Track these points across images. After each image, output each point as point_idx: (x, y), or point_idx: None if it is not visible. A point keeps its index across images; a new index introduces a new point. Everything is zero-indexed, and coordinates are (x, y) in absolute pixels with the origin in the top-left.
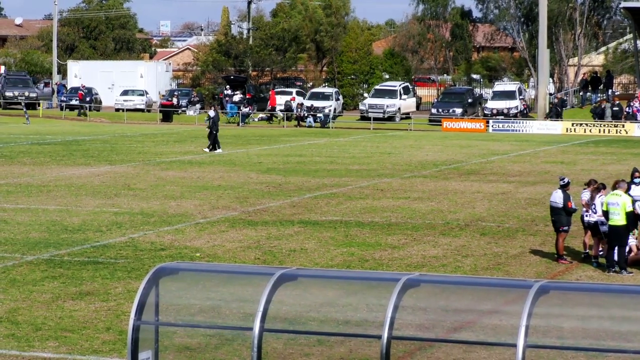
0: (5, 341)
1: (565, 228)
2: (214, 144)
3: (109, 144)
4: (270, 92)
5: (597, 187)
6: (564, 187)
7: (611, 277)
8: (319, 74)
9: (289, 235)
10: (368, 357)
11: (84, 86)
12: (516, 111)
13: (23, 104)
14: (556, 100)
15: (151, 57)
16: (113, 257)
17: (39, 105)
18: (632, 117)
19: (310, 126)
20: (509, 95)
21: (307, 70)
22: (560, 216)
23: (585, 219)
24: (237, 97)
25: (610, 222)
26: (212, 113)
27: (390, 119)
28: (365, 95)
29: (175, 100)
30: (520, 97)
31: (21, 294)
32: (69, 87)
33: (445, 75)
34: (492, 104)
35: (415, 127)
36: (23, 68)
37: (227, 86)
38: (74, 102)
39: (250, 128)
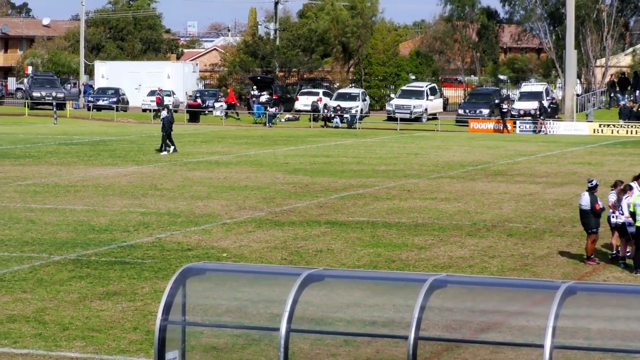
0: (33, 341)
1: (594, 230)
2: (164, 144)
3: (135, 144)
4: (228, 90)
5: (624, 189)
6: (592, 190)
7: (639, 278)
8: (346, 74)
9: (316, 235)
10: (395, 357)
11: (161, 90)
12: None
13: (54, 104)
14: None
15: (178, 58)
16: (140, 257)
17: (71, 106)
18: None
19: (337, 127)
20: (536, 96)
21: (333, 71)
22: (589, 219)
23: (612, 220)
24: (264, 97)
25: (638, 223)
26: (164, 114)
27: (417, 119)
28: (392, 95)
29: (199, 101)
30: (548, 98)
31: (48, 293)
32: (96, 87)
33: (472, 76)
34: (519, 105)
35: (442, 127)
36: (50, 68)
37: (254, 87)
38: (101, 102)
39: (276, 128)
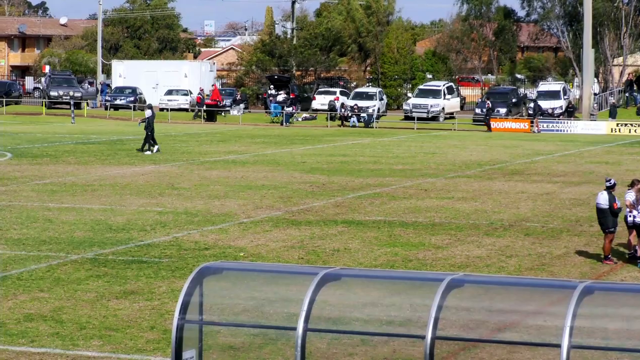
0: (50, 340)
1: (612, 229)
2: (150, 143)
3: None
4: (213, 86)
5: None
6: (610, 189)
7: None
8: (363, 73)
9: (333, 235)
10: (412, 357)
11: (202, 89)
12: (561, 111)
13: (71, 103)
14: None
15: (195, 57)
16: (157, 256)
17: (87, 105)
18: None
19: (354, 126)
20: (553, 95)
21: (350, 70)
22: (607, 218)
23: (630, 219)
24: (281, 97)
25: None
26: (148, 113)
27: (434, 118)
28: (409, 95)
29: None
30: (565, 97)
31: (66, 292)
32: (113, 86)
33: (489, 75)
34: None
35: (459, 127)
36: (67, 68)
37: (271, 86)
38: (118, 101)
39: (293, 128)
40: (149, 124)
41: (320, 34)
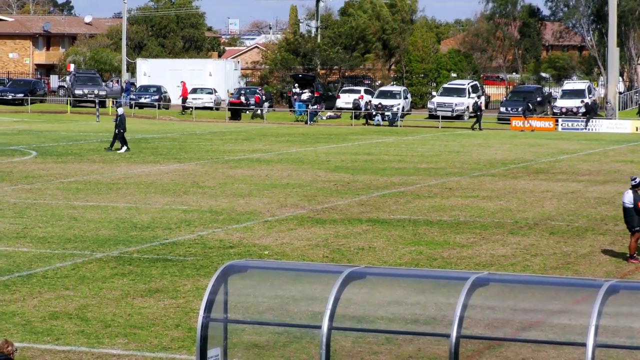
0: (75, 337)
1: (637, 229)
2: (119, 141)
3: (177, 142)
4: (182, 84)
5: None
6: (635, 188)
7: None
8: (387, 72)
9: (357, 233)
10: (437, 355)
11: (261, 89)
12: (584, 110)
13: (96, 101)
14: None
15: (220, 56)
16: (182, 254)
17: (114, 104)
18: None
19: (378, 124)
20: (578, 94)
21: (375, 68)
22: (632, 217)
23: None
24: (306, 95)
25: None
26: (120, 111)
27: (459, 117)
28: (434, 93)
29: (242, 99)
30: (590, 95)
31: (91, 290)
32: (138, 85)
33: (514, 73)
34: (562, 103)
35: (483, 125)
36: (92, 66)
37: (296, 84)
38: (143, 100)
39: (318, 126)
40: (120, 123)
41: (344, 33)
